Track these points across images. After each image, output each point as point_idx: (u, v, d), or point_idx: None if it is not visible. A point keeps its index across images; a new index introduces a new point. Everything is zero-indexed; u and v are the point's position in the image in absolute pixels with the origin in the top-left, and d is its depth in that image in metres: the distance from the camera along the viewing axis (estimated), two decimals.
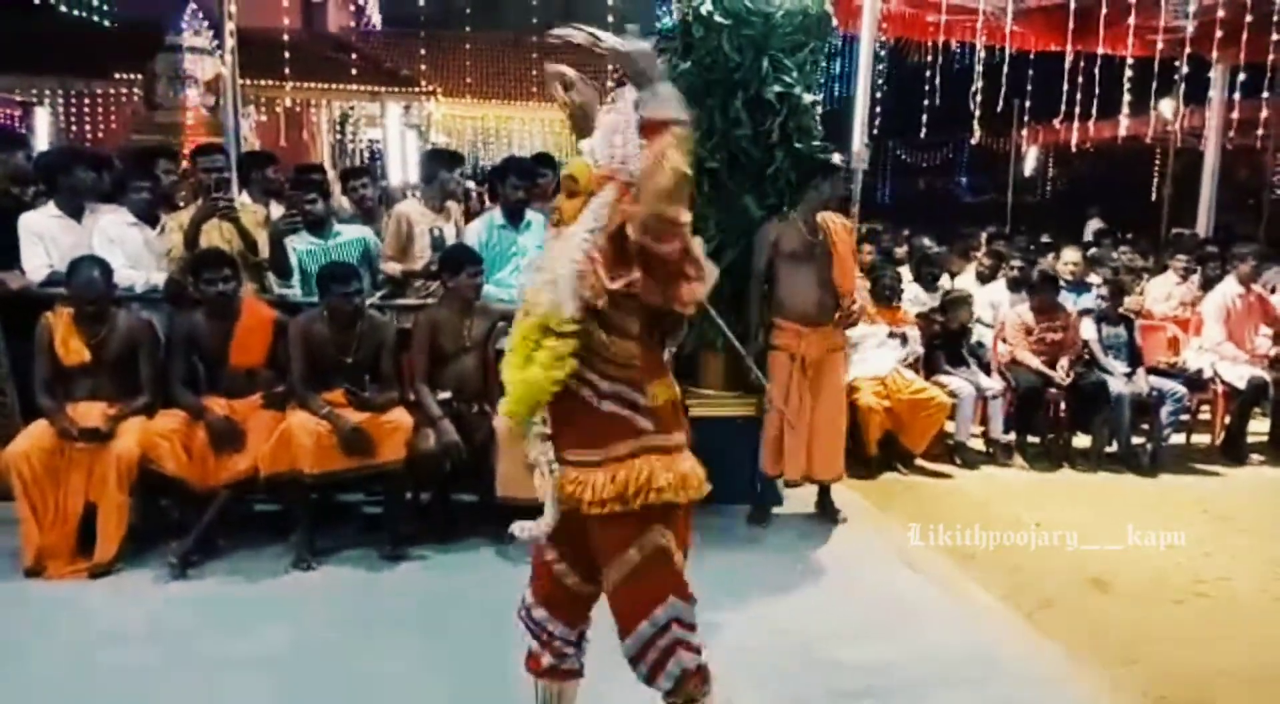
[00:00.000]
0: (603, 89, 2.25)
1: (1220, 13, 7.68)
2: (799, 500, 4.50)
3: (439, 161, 4.96)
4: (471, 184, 8.63)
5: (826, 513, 4.47)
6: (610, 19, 12.22)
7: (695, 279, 1.97)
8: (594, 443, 2.06)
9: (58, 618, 3.31)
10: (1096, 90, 8.61)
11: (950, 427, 5.61)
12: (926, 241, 7.74)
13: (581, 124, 2.16)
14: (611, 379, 2.04)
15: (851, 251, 4.44)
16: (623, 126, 1.98)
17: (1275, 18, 7.80)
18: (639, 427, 2.04)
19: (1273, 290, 6.67)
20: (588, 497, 2.04)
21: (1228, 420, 6.03)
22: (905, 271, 6.62)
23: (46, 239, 4.28)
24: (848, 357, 4.60)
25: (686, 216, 1.89)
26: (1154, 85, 8.80)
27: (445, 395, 4.02)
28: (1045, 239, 10.42)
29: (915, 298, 6.15)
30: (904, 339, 5.54)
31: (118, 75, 13.61)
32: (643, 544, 2.04)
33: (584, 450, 2.07)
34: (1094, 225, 11.89)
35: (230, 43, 6.19)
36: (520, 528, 2.17)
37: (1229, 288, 6.27)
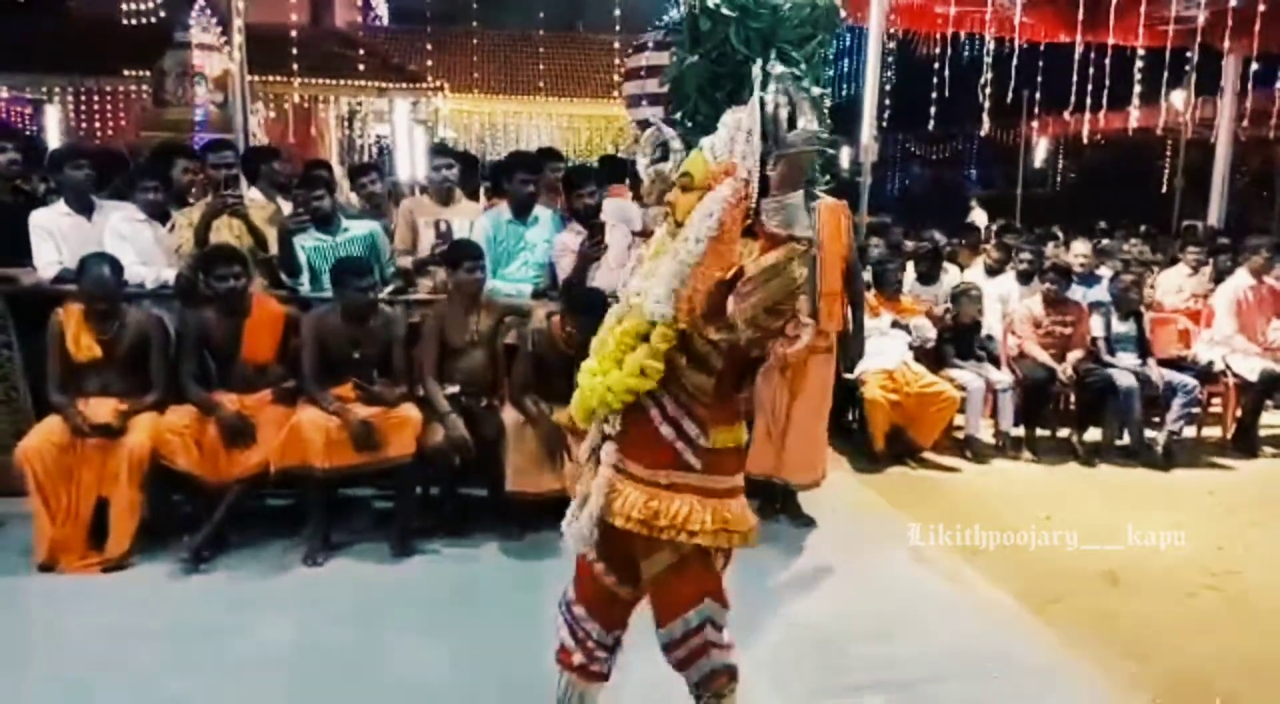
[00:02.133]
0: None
1: (1232, 2, 7.63)
2: (809, 497, 4.49)
3: (438, 157, 4.97)
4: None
5: (794, 516, 4.36)
6: (618, 13, 12.21)
7: (791, 336, 1.95)
8: (643, 460, 2.05)
9: (70, 612, 3.33)
10: (1107, 81, 8.55)
11: (960, 420, 5.60)
12: (936, 234, 7.69)
13: (656, 190, 2.14)
14: (678, 405, 2.03)
15: (842, 245, 4.12)
16: (748, 126, 1.95)
17: None
18: (688, 462, 2.03)
19: None
20: (617, 506, 2.05)
21: (1239, 413, 6.00)
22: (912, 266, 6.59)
23: (57, 236, 4.30)
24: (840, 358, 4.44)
25: (781, 325, 1.89)
26: (1165, 76, 8.75)
27: (453, 390, 4.03)
28: (1055, 231, 10.36)
29: (909, 291, 6.11)
30: (908, 329, 5.51)
31: (127, 72, 13.65)
32: (678, 545, 2.04)
33: (633, 464, 2.07)
34: (978, 215, 11.69)
35: (238, 39, 6.22)
36: (566, 526, 2.17)
37: (1240, 280, 6.23)
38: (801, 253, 1.84)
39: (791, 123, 1.89)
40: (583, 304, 3.76)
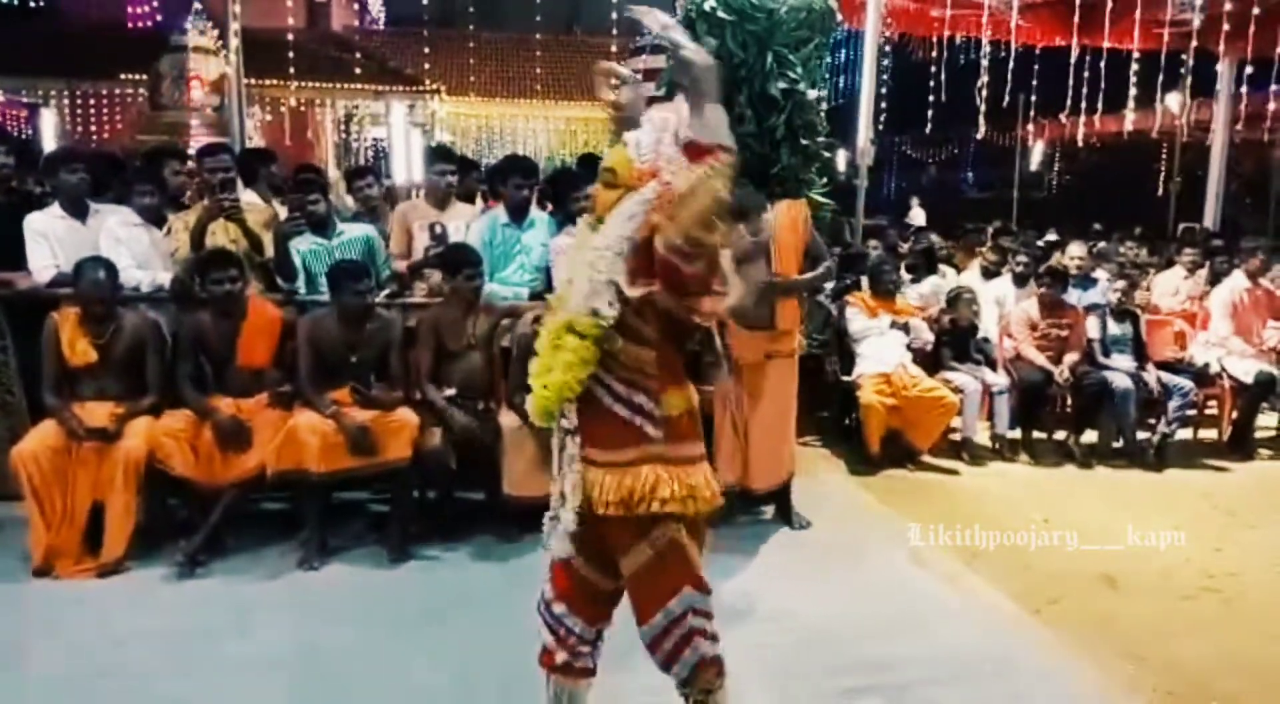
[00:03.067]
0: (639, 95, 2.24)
1: (1227, 5, 7.64)
2: (806, 500, 4.49)
3: (432, 160, 4.97)
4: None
5: (786, 517, 4.37)
6: (615, 16, 12.21)
7: (718, 294, 1.96)
8: (606, 444, 2.07)
9: (66, 617, 3.32)
10: (1102, 84, 8.57)
11: (956, 423, 5.60)
12: (933, 237, 7.70)
13: (624, 126, 2.15)
14: (625, 383, 2.05)
15: (798, 236, 4.17)
16: (673, 126, 1.95)
17: None
18: (649, 434, 2.05)
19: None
20: (595, 495, 2.07)
21: (1235, 415, 6.01)
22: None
23: (52, 239, 4.29)
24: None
25: (717, 239, 1.88)
26: (1160, 79, 8.76)
27: (450, 392, 4.03)
28: (1052, 234, 10.39)
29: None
30: (906, 328, 5.52)
31: (123, 76, 13.64)
32: (654, 539, 2.05)
33: (597, 450, 2.08)
34: (917, 215, 11.66)
35: (235, 43, 6.21)
36: (546, 533, 2.19)
37: (1237, 282, 6.24)
38: (726, 164, 1.84)
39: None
40: None
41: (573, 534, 2.14)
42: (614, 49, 13.38)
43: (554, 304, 2.13)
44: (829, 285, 5.49)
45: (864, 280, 5.96)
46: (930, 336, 5.64)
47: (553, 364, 2.03)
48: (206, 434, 3.77)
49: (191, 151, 5.63)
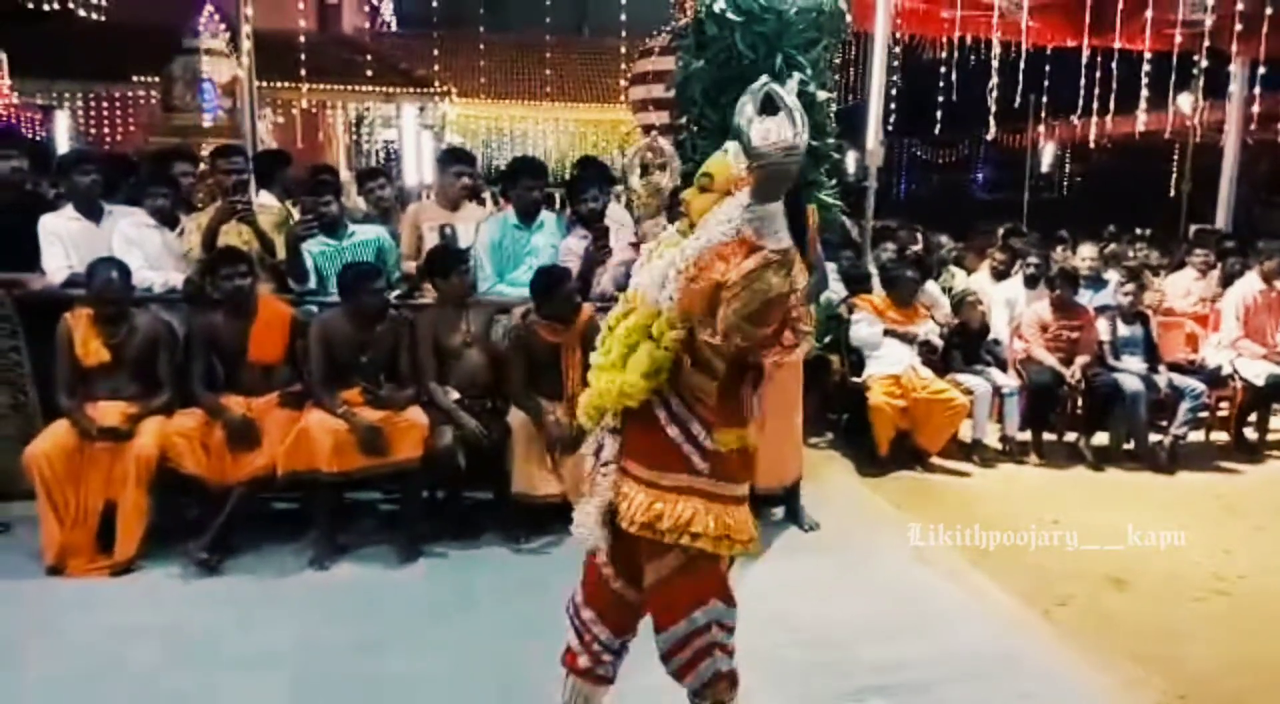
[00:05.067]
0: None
1: (1239, 6, 7.60)
2: (815, 501, 4.48)
3: (444, 161, 5.00)
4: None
5: (795, 518, 4.37)
6: (624, 18, 12.22)
7: (788, 345, 1.92)
8: (648, 461, 2.04)
9: (78, 615, 3.34)
10: (1114, 85, 8.54)
11: (966, 424, 5.58)
12: (944, 239, 7.68)
13: (649, 201, 2.12)
14: (685, 406, 2.01)
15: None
16: (775, 130, 1.85)
17: None
18: (694, 465, 2.02)
19: None
20: (623, 509, 2.05)
21: (1250, 417, 5.98)
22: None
23: (66, 241, 4.32)
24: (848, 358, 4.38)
25: (767, 331, 1.84)
26: (1173, 80, 8.71)
27: (455, 395, 4.04)
28: (1062, 235, 10.33)
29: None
30: (910, 340, 5.48)
31: (136, 78, 13.72)
32: (685, 548, 2.02)
33: (636, 464, 2.06)
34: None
35: (247, 45, 6.24)
36: (576, 526, 2.17)
37: (1250, 284, 6.20)
38: (775, 262, 1.79)
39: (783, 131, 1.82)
40: (543, 286, 3.87)
41: (601, 530, 2.12)
42: (623, 50, 13.40)
43: (627, 304, 2.07)
44: (835, 291, 5.48)
45: (874, 283, 5.96)
46: (939, 342, 5.62)
47: (622, 364, 1.99)
48: (218, 434, 3.80)
49: (204, 153, 5.67)
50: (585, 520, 2.13)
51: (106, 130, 14.54)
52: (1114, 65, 8.42)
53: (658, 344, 1.96)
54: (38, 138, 13.96)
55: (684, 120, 4.73)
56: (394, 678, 2.96)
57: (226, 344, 3.99)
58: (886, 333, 5.45)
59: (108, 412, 3.78)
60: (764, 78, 1.95)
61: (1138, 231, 11.06)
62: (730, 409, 2.05)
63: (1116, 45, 8.10)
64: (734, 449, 2.05)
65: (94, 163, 4.60)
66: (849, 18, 4.73)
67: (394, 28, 21.40)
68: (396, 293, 4.52)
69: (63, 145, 13.22)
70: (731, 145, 2.03)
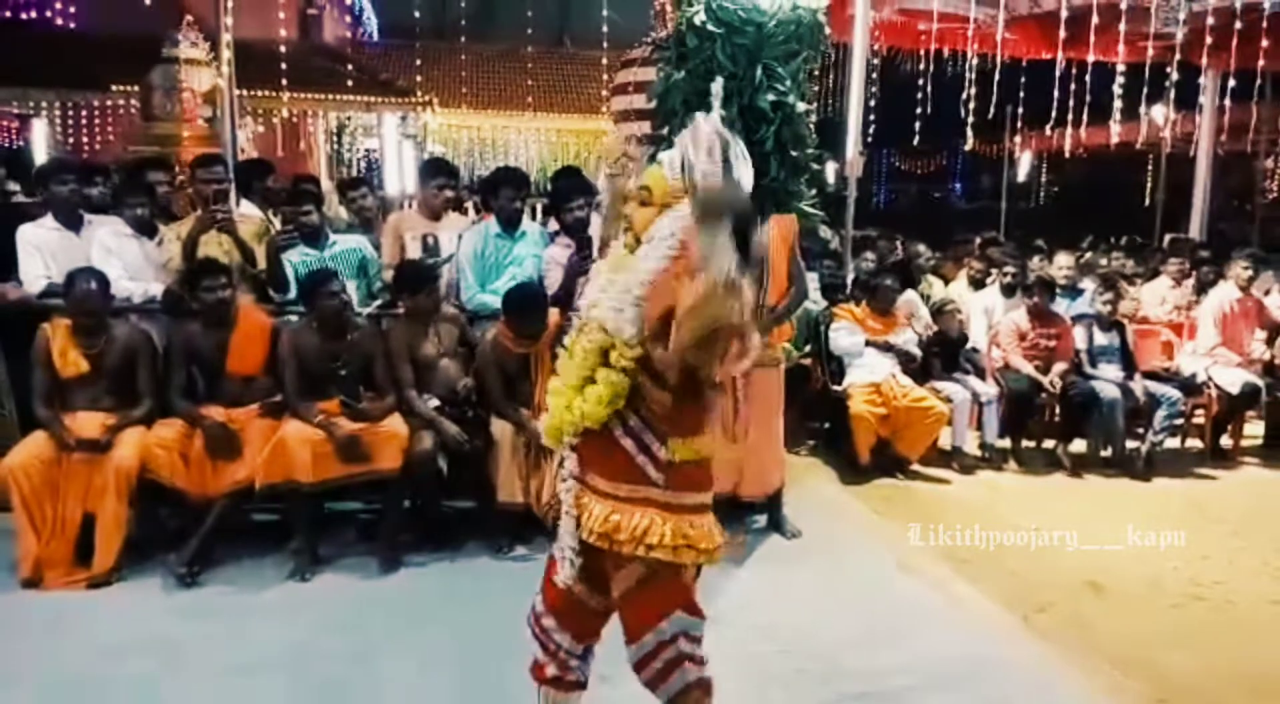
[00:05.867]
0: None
1: (1210, 20, 7.74)
2: (796, 509, 4.51)
3: (426, 174, 5.00)
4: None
5: (777, 526, 4.39)
6: (605, 29, 12.28)
7: (738, 356, 1.90)
8: (604, 473, 2.06)
9: (56, 629, 3.31)
10: (1088, 97, 8.65)
11: (946, 431, 5.63)
12: (922, 248, 7.75)
13: (611, 210, 2.14)
14: (640, 418, 2.03)
15: (786, 257, 4.20)
16: (709, 143, 1.90)
17: (1264, 24, 7.86)
18: (650, 476, 2.03)
19: (1266, 293, 6.70)
20: (583, 520, 2.06)
21: (1225, 425, 6.06)
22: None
23: (45, 251, 4.29)
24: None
25: (716, 359, 1.84)
26: (1145, 91, 8.84)
27: (435, 403, 4.04)
28: (1039, 244, 10.44)
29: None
30: (889, 349, 5.51)
31: (115, 87, 13.63)
32: (648, 560, 2.03)
33: (595, 476, 2.07)
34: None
35: (227, 54, 6.23)
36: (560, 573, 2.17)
37: (1227, 292, 6.28)
38: (724, 292, 1.76)
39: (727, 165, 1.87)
40: (517, 306, 3.91)
41: (574, 568, 2.13)
42: (604, 61, 13.45)
43: (583, 323, 2.09)
44: (815, 301, 5.51)
45: (853, 291, 6.00)
46: (918, 352, 5.67)
47: (581, 389, 2.01)
48: (197, 444, 3.77)
49: (183, 163, 5.64)
50: (564, 563, 2.15)
51: (85, 139, 14.42)
52: (1088, 77, 8.52)
53: (615, 368, 1.97)
54: (15, 146, 13.85)
55: (665, 131, 4.75)
56: (376, 688, 2.94)
57: (206, 355, 3.97)
58: (867, 343, 5.49)
59: (86, 423, 3.75)
60: (716, 111, 2.03)
61: (1113, 240, 11.19)
62: (685, 419, 2.05)
63: (1090, 57, 8.21)
64: (691, 460, 2.06)
65: (73, 172, 4.58)
66: (828, 30, 4.76)
67: (375, 37, 21.38)
68: (378, 303, 4.52)
69: (40, 154, 13.10)
70: (665, 156, 2.07)
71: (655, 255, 1.97)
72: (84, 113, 14.45)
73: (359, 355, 4.04)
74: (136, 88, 11.66)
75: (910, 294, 6.07)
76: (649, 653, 2.07)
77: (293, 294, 4.41)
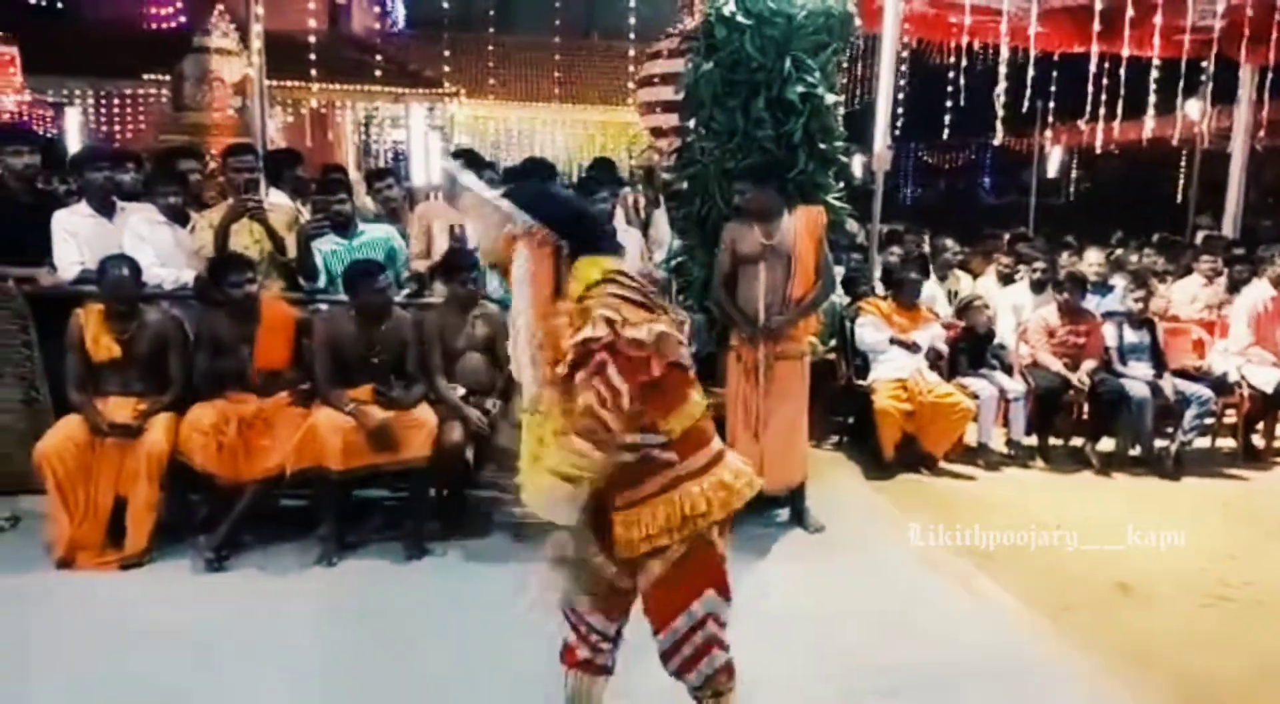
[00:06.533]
0: None
1: (1249, 12, 7.59)
2: (821, 503, 4.49)
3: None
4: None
5: (800, 520, 4.38)
6: (633, 20, 12.26)
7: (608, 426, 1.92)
8: (631, 485, 2.08)
9: (87, 609, 3.37)
10: (1121, 91, 8.53)
11: (972, 428, 5.59)
12: (949, 243, 7.69)
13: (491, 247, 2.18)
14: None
15: (815, 251, 4.20)
16: (490, 196, 2.09)
17: None
18: (665, 460, 2.06)
19: None
20: (637, 534, 2.07)
21: (1254, 424, 5.97)
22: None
23: (79, 237, 4.35)
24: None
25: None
26: (1180, 86, 8.70)
27: (461, 392, 4.07)
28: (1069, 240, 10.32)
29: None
30: (913, 347, 5.48)
31: (147, 77, 13.79)
32: (686, 537, 2.06)
33: (626, 494, 2.09)
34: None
35: (257, 45, 6.28)
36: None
37: (1261, 291, 6.17)
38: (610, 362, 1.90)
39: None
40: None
41: (597, 532, 2.13)
42: (631, 53, 13.43)
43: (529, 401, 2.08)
44: (839, 295, 5.48)
45: (879, 287, 5.96)
46: (943, 346, 5.62)
47: (538, 458, 2.00)
48: (230, 430, 3.82)
49: (214, 152, 5.70)
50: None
51: (117, 127, 14.62)
52: (1122, 71, 8.40)
53: (562, 446, 1.94)
54: (49, 134, 14.05)
55: (692, 123, 4.74)
56: (401, 674, 2.98)
57: (233, 349, 4.01)
58: (892, 342, 5.46)
59: (118, 407, 3.81)
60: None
61: (1144, 237, 11.03)
62: (666, 398, 2.06)
63: (1125, 51, 8.09)
64: (687, 426, 2.09)
65: (106, 159, 4.64)
66: (858, 21, 4.73)
67: (403, 28, 21.45)
68: (405, 292, 4.55)
69: (74, 142, 13.29)
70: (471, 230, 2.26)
71: (523, 300, 2.05)
72: (116, 102, 14.64)
73: (394, 343, 4.06)
74: (168, 77, 11.81)
75: (928, 284, 6.01)
76: (680, 639, 2.10)
77: (322, 282, 4.45)
